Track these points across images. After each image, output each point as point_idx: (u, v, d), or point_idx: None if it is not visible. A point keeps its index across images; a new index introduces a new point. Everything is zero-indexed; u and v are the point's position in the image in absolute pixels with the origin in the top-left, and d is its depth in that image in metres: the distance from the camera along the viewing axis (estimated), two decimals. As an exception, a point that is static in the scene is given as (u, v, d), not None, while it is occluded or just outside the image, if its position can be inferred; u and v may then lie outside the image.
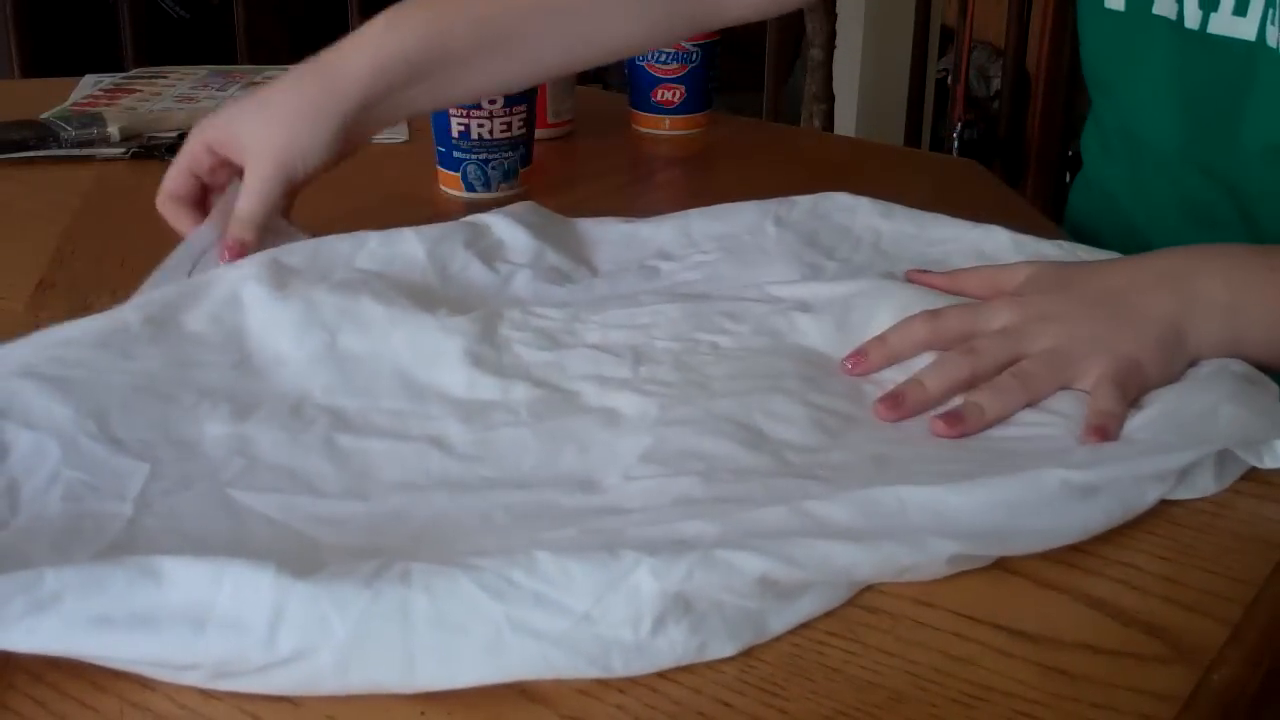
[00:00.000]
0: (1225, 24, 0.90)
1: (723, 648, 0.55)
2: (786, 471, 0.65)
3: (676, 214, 0.95)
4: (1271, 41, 0.86)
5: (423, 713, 0.52)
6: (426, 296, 0.80)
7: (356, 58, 0.90)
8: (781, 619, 0.56)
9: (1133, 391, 0.71)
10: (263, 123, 0.89)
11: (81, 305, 0.85)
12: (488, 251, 0.87)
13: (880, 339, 0.75)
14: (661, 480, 0.65)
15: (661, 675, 0.54)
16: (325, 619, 0.52)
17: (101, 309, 0.84)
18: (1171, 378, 0.72)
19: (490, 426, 0.70)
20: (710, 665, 0.54)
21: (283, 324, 0.77)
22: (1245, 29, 0.89)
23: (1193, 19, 0.92)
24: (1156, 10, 0.94)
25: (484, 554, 0.55)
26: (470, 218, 0.92)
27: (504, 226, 0.89)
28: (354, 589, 0.53)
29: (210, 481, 0.64)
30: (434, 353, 0.75)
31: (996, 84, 2.93)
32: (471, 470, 0.67)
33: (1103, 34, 1.01)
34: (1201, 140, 0.95)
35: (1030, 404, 0.71)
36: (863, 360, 0.75)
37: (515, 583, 0.54)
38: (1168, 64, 0.95)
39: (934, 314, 0.76)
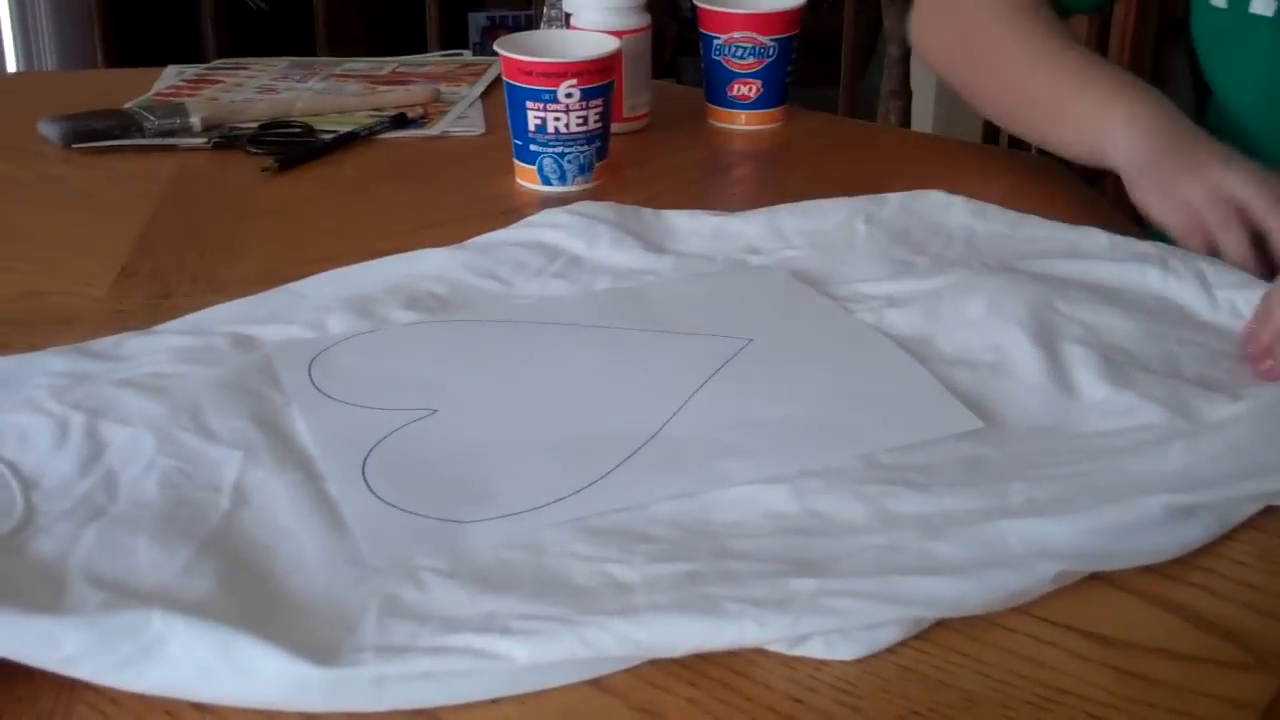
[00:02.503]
0: None
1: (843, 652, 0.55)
2: (875, 476, 0.65)
3: (766, 209, 0.95)
4: None
5: (496, 702, 0.53)
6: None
7: None
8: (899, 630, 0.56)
9: None
10: None
11: (163, 293, 0.86)
12: (564, 269, 0.88)
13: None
14: (754, 489, 0.64)
15: (733, 670, 0.54)
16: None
17: (183, 296, 0.85)
18: None
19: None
20: (783, 660, 0.54)
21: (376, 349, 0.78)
22: None
23: None
24: (1254, 9, 0.93)
25: (587, 599, 0.57)
26: (541, 221, 0.93)
27: (578, 241, 0.90)
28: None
29: (304, 473, 0.65)
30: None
31: (1075, 81, 2.88)
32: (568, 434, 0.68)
33: (1209, 32, 1.00)
34: None
35: None
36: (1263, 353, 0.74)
37: (620, 635, 0.54)
38: (1267, 61, 0.94)
39: None
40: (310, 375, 0.74)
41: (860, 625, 0.55)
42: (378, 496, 0.64)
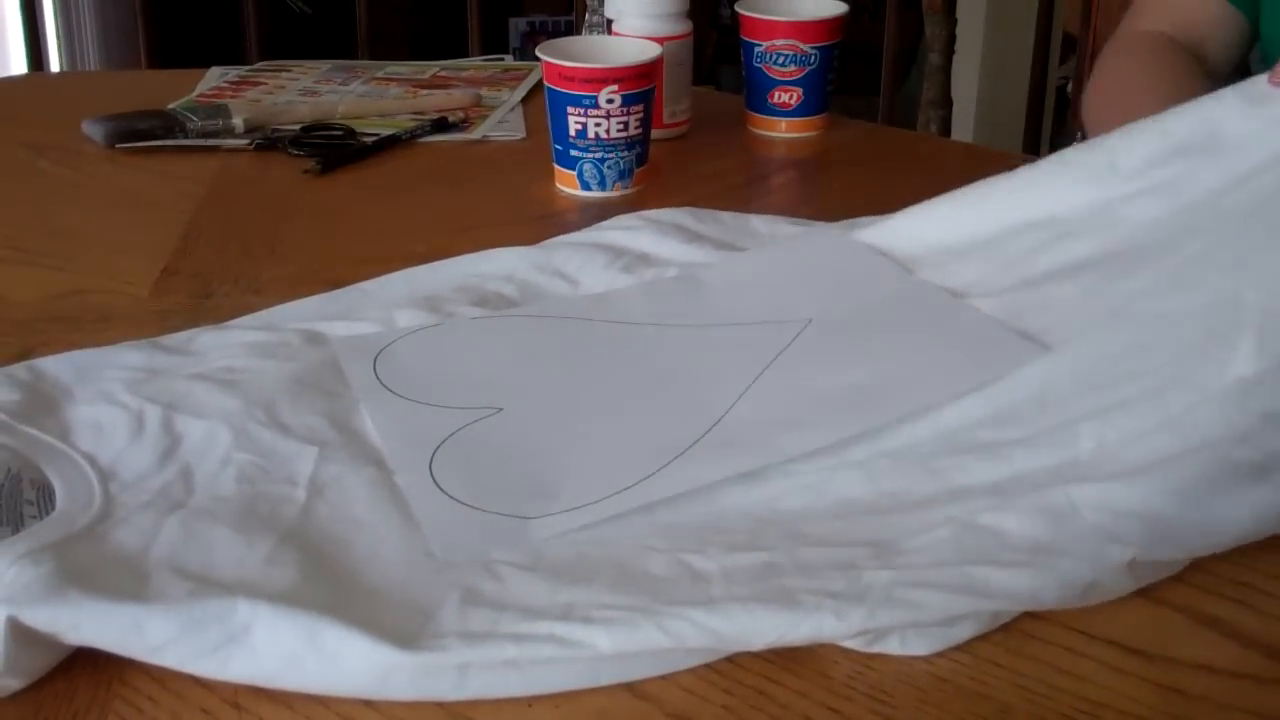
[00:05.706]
0: None
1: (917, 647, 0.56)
2: (944, 447, 0.66)
3: (846, 222, 0.93)
4: None
5: (530, 705, 0.53)
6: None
7: None
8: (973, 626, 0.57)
9: None
10: None
11: (204, 292, 0.87)
12: (631, 264, 0.87)
13: None
14: (822, 474, 0.65)
15: (768, 678, 0.54)
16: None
17: (224, 296, 0.86)
18: None
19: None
20: (819, 669, 0.54)
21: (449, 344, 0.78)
22: None
23: None
24: None
25: (666, 589, 0.57)
26: (613, 225, 0.93)
27: (647, 239, 0.90)
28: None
29: (378, 468, 0.66)
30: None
31: (1117, 92, 2.87)
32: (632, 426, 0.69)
33: None
34: None
35: None
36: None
37: (700, 625, 0.54)
38: None
39: None
40: (375, 370, 0.74)
41: (935, 618, 0.55)
42: (445, 493, 0.64)
